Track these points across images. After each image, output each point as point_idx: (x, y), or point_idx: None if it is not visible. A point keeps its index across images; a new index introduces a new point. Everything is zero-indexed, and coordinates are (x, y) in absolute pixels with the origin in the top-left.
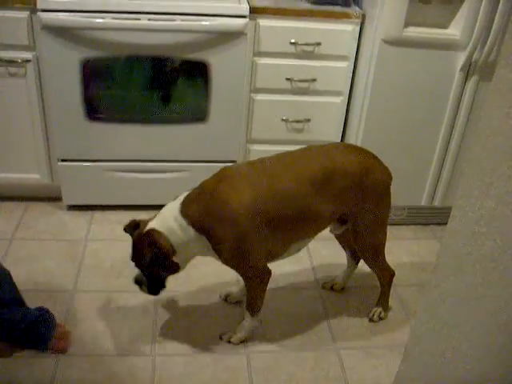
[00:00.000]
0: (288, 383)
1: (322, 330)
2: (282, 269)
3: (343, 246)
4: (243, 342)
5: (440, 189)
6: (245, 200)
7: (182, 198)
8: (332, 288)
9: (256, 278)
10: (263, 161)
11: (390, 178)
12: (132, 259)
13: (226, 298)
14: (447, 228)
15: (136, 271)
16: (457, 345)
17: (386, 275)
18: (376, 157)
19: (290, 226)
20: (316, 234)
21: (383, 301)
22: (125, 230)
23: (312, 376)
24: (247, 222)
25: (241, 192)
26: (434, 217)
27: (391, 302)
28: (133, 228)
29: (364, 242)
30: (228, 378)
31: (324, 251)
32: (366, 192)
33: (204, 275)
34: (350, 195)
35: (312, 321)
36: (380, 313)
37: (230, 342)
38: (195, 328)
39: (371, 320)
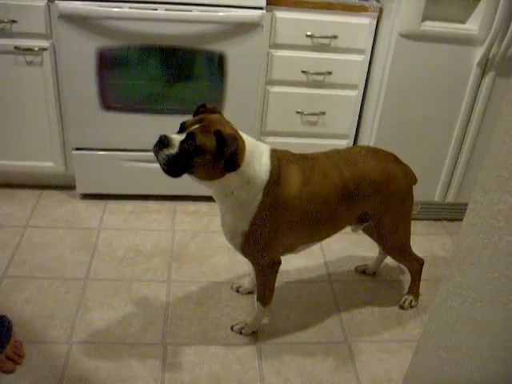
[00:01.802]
0: (298, 375)
1: (333, 323)
2: (295, 262)
3: (372, 237)
4: (254, 332)
5: (454, 185)
6: (300, 192)
7: (265, 145)
8: (364, 272)
9: (268, 268)
10: (307, 158)
11: (414, 181)
12: (188, 125)
13: (238, 290)
14: (464, 222)
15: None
16: (471, 340)
17: (415, 266)
18: (398, 160)
19: (314, 228)
20: (330, 237)
21: (414, 289)
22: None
23: (322, 368)
24: (294, 210)
25: (299, 183)
26: (446, 213)
27: (402, 296)
28: (210, 111)
29: (387, 242)
30: (239, 369)
31: (336, 245)
32: (389, 197)
33: (216, 267)
34: (373, 201)
35: (323, 314)
36: (411, 301)
37: (241, 332)
38: (206, 318)
39: (402, 307)
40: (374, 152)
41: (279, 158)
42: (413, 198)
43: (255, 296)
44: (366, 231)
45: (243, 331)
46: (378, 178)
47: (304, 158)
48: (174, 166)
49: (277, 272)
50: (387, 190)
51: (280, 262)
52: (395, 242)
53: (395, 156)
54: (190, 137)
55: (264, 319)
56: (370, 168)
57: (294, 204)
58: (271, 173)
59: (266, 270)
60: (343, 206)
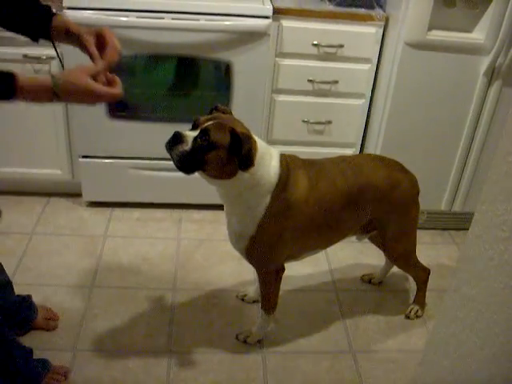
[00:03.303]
0: None
1: (338, 333)
2: (300, 270)
3: (378, 246)
4: (259, 341)
5: (460, 194)
6: (306, 197)
7: (274, 149)
8: (370, 281)
9: (271, 275)
10: (315, 164)
11: (417, 190)
12: (201, 122)
13: (243, 298)
14: (469, 232)
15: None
16: (477, 350)
17: (420, 275)
18: (404, 169)
19: (318, 234)
20: (334, 244)
21: (420, 299)
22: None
23: (327, 378)
24: (300, 215)
25: (306, 188)
26: (452, 222)
27: (408, 306)
28: (222, 111)
29: (392, 251)
30: (243, 378)
31: (342, 254)
32: (394, 205)
33: (221, 275)
34: (377, 208)
35: (328, 323)
36: (417, 311)
37: (246, 341)
38: (211, 327)
39: (407, 317)
40: (380, 160)
41: (288, 162)
42: (418, 207)
43: (260, 305)
44: (372, 240)
45: (248, 340)
46: (382, 186)
47: (311, 164)
48: (187, 162)
49: (280, 279)
50: (391, 198)
51: (284, 269)
52: (400, 251)
53: (401, 164)
54: (204, 132)
55: (269, 328)
56: (375, 175)
57: (300, 209)
58: (280, 176)
59: (270, 277)
60: (348, 213)
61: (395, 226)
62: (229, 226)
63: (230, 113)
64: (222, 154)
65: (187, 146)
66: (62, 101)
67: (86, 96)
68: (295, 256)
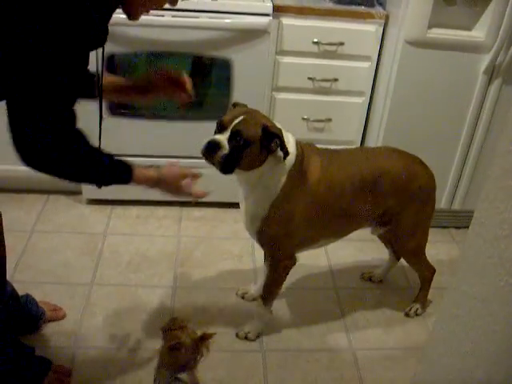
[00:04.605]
0: (303, 382)
1: (337, 330)
2: (300, 268)
3: (385, 243)
4: (259, 337)
5: (460, 192)
6: (318, 179)
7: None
8: (370, 279)
9: (282, 263)
10: (329, 151)
11: (434, 184)
12: (226, 122)
13: (243, 296)
14: (469, 230)
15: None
16: (478, 348)
17: (426, 273)
18: (422, 162)
19: (331, 222)
20: (348, 234)
21: (422, 297)
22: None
23: (327, 375)
24: (311, 198)
25: (318, 172)
26: (452, 220)
27: (408, 304)
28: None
29: (404, 244)
30: (243, 376)
31: (341, 252)
32: (410, 197)
33: (221, 273)
34: (394, 199)
35: (328, 321)
36: (417, 309)
37: (246, 337)
38: (212, 325)
39: (407, 315)
40: (399, 152)
41: (302, 146)
42: (434, 203)
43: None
44: (381, 236)
45: (249, 336)
46: (400, 176)
47: (326, 151)
48: (228, 164)
49: (289, 271)
50: (409, 190)
51: (295, 262)
52: (413, 246)
53: (420, 159)
54: (237, 133)
55: (265, 319)
56: (392, 165)
57: (311, 191)
58: (296, 157)
59: (280, 265)
60: (362, 200)
61: (410, 219)
62: (244, 210)
63: (245, 105)
64: (255, 148)
65: (225, 149)
66: (156, 188)
67: (175, 191)
68: (309, 243)
